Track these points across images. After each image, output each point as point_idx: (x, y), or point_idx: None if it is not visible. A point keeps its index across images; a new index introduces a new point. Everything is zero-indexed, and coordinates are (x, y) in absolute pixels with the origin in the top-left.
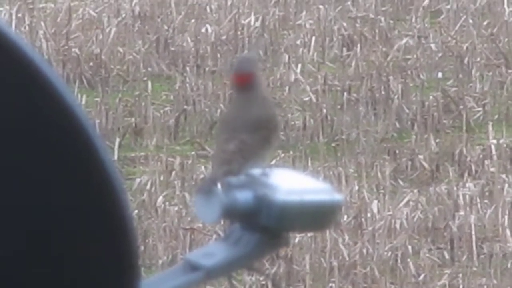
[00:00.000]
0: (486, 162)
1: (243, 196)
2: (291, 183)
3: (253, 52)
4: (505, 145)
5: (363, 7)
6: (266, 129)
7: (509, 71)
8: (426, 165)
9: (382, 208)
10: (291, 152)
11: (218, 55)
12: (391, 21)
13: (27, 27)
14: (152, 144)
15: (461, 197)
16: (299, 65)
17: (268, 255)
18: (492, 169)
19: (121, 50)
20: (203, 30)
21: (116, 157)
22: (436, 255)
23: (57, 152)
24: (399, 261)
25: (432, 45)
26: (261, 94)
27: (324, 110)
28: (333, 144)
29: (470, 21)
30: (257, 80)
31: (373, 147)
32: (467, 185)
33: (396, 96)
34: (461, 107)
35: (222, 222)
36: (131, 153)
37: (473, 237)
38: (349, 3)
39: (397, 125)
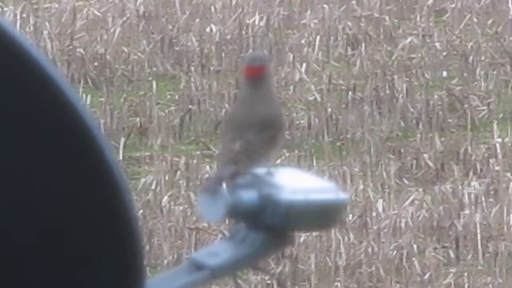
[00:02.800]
0: (491, 160)
1: (248, 196)
2: (296, 182)
3: (263, 51)
4: (510, 144)
5: (368, 6)
6: (272, 129)
7: None
8: (431, 164)
9: (387, 207)
10: (296, 151)
11: (223, 55)
12: (396, 20)
13: (31, 27)
14: (157, 144)
15: (466, 196)
16: (304, 65)
17: (274, 254)
18: (497, 168)
19: (125, 50)
20: (207, 29)
21: (121, 157)
22: (441, 254)
23: (62, 153)
24: (404, 260)
25: (437, 44)
26: (269, 92)
27: (329, 109)
28: (338, 143)
29: (475, 20)
30: (268, 77)
31: (378, 146)
32: (472, 183)
33: (401, 95)
34: (466, 106)
35: (227, 222)
36: (136, 153)
37: (478, 235)
38: (353, 2)
39: (402, 124)
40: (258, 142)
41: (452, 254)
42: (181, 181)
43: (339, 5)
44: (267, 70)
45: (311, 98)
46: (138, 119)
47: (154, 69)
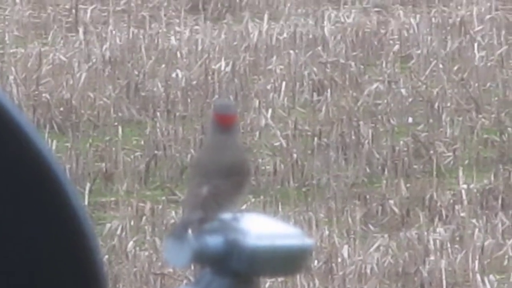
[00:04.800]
0: (456, 207)
1: (214, 241)
2: (261, 228)
3: (230, 99)
4: (475, 190)
5: (334, 52)
6: (239, 175)
7: (479, 116)
8: (396, 210)
9: (352, 253)
10: (262, 197)
11: (189, 100)
12: (362, 66)
13: None
14: (123, 189)
15: (431, 242)
16: (270, 110)
17: None
18: (462, 214)
19: (91, 95)
20: (173, 75)
21: (86, 202)
22: None
23: (26, 198)
24: None
25: (403, 90)
26: (236, 139)
27: (295, 155)
28: (303, 189)
29: (440, 66)
30: (236, 125)
31: (343, 192)
32: (437, 230)
33: (366, 141)
34: (432, 152)
35: (192, 267)
36: (102, 198)
37: (444, 282)
38: (319, 48)
39: (368, 170)
40: (225, 188)
41: None
42: (146, 227)
43: (304, 51)
44: (236, 118)
45: (277, 143)
46: (103, 165)
47: (120, 114)
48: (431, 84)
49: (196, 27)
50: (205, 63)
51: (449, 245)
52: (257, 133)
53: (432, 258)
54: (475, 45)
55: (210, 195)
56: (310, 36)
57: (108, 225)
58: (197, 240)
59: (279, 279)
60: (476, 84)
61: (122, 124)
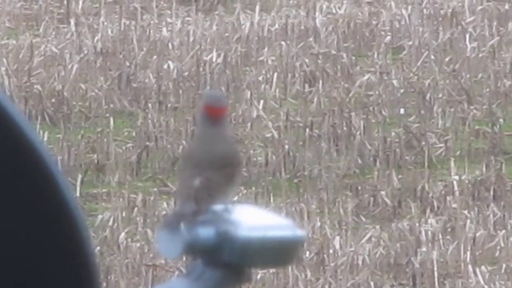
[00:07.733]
0: (448, 198)
1: (205, 232)
2: (253, 219)
3: (220, 91)
4: (467, 181)
5: (325, 43)
6: (231, 166)
7: (471, 107)
8: (388, 201)
9: (344, 244)
10: (253, 188)
11: (180, 92)
12: (353, 57)
13: None
14: (114, 181)
15: (423, 233)
16: (261, 101)
17: None
18: (454, 205)
19: (83, 86)
20: (165, 66)
21: (78, 194)
22: None
23: (18, 189)
24: None
25: (394, 81)
26: (227, 130)
27: (286, 146)
28: (295, 180)
29: (432, 57)
30: (226, 116)
31: (335, 183)
32: (429, 221)
33: (358, 132)
34: (423, 143)
35: (184, 259)
36: (93, 189)
37: (435, 273)
38: (311, 39)
39: (359, 161)
40: (217, 180)
41: None
42: (138, 218)
43: (296, 42)
44: (226, 110)
45: (269, 135)
46: (95, 156)
47: (112, 105)
48: (422, 75)
49: (188, 18)
50: (197, 55)
51: (440, 236)
52: (249, 124)
53: (424, 249)
54: (467, 36)
55: (202, 187)
56: (302, 27)
57: (100, 216)
58: (189, 231)
59: (271, 271)
60: (468, 75)
61: (114, 116)
